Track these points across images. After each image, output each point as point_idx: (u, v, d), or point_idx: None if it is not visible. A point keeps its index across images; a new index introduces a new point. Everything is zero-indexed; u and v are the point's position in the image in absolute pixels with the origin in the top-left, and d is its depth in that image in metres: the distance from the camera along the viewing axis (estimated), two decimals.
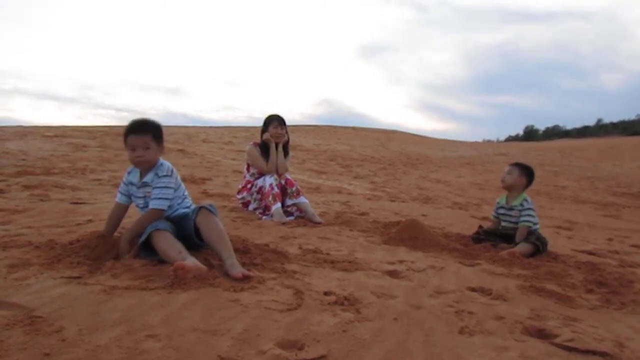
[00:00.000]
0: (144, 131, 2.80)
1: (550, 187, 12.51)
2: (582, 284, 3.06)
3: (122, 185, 2.95)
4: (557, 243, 4.55)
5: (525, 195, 4.17)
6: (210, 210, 2.75)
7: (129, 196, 2.93)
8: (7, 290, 2.06)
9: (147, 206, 2.85)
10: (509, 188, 4.22)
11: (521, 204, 4.10)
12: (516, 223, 4.09)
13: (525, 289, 2.81)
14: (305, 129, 28.66)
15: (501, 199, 4.30)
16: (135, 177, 2.89)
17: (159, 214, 2.79)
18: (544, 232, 4.18)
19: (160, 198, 2.79)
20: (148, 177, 2.84)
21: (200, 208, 2.75)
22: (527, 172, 4.21)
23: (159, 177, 2.83)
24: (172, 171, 2.88)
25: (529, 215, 4.05)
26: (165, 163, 2.91)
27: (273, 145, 4.81)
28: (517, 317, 2.31)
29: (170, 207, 2.87)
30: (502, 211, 4.25)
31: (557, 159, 23.24)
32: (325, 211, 5.15)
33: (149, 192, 2.84)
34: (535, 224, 4.06)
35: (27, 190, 4.72)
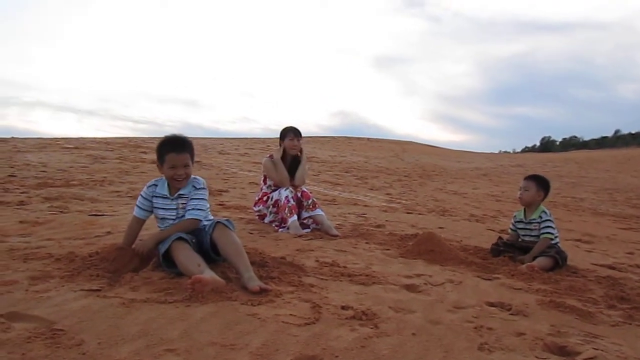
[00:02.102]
0: (184, 150, 2.86)
1: (568, 199, 12.36)
2: (604, 300, 3.01)
3: (140, 199, 2.97)
4: (576, 257, 4.48)
5: (543, 207, 4.13)
6: (226, 225, 2.77)
7: (149, 210, 2.96)
8: (29, 302, 2.08)
9: (179, 217, 2.90)
10: (527, 204, 4.18)
11: (540, 217, 4.06)
12: (536, 236, 4.04)
13: (545, 304, 2.77)
14: (321, 140, 28.73)
15: (519, 212, 4.26)
16: (164, 190, 2.93)
17: (196, 224, 2.86)
18: (563, 245, 4.12)
19: (198, 209, 2.88)
20: (184, 190, 2.92)
21: (217, 223, 2.77)
22: (544, 185, 4.16)
23: (197, 189, 2.93)
24: (206, 185, 2.99)
25: (549, 227, 4.01)
26: (199, 177, 3.00)
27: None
28: (537, 333, 2.28)
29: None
30: (521, 225, 4.21)
31: (575, 170, 22.98)
32: (341, 223, 5.14)
33: (183, 204, 2.90)
34: (556, 236, 4.02)
35: (48, 202, 4.79)
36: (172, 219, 2.92)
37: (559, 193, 13.15)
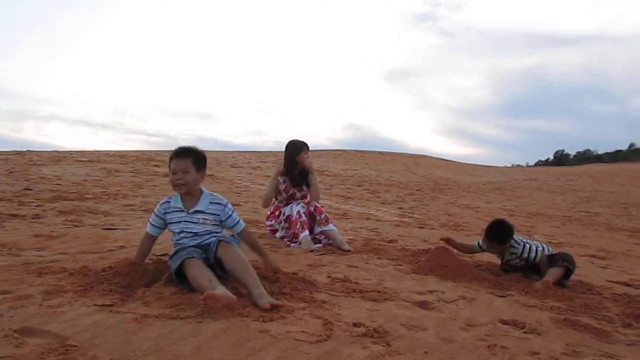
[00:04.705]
0: (185, 156, 2.90)
1: (582, 213, 12.23)
2: (619, 318, 2.97)
3: (153, 216, 2.98)
4: (591, 273, 4.42)
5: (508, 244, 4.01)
6: (230, 242, 2.77)
7: (161, 227, 2.98)
8: (42, 317, 2.10)
9: (202, 232, 2.91)
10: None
11: (511, 253, 3.99)
12: (526, 260, 3.95)
13: (559, 322, 2.73)
14: (333, 154, 28.73)
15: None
16: (178, 203, 2.95)
17: (249, 232, 3.12)
18: (577, 261, 4.04)
19: (237, 222, 3.02)
20: (201, 205, 2.94)
21: (220, 241, 2.78)
22: (497, 238, 4.02)
23: (223, 205, 2.98)
24: (226, 200, 3.06)
25: (530, 250, 3.94)
26: (217, 194, 3.05)
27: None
28: (552, 352, 2.25)
29: (203, 235, 2.92)
30: (505, 260, 4.09)
31: (589, 184, 22.77)
32: (353, 238, 5.13)
33: (204, 219, 2.93)
34: (542, 246, 4.00)
35: (62, 215, 4.84)
36: (194, 233, 2.91)
37: (573, 207, 13.03)
